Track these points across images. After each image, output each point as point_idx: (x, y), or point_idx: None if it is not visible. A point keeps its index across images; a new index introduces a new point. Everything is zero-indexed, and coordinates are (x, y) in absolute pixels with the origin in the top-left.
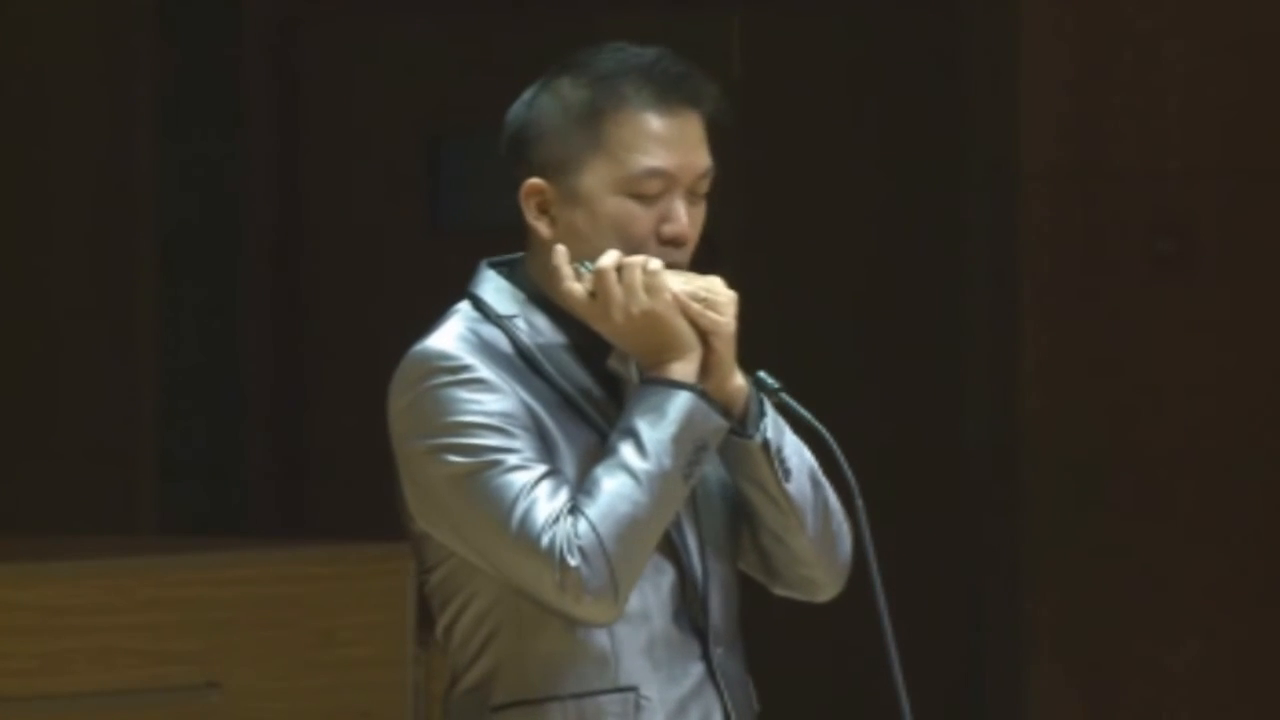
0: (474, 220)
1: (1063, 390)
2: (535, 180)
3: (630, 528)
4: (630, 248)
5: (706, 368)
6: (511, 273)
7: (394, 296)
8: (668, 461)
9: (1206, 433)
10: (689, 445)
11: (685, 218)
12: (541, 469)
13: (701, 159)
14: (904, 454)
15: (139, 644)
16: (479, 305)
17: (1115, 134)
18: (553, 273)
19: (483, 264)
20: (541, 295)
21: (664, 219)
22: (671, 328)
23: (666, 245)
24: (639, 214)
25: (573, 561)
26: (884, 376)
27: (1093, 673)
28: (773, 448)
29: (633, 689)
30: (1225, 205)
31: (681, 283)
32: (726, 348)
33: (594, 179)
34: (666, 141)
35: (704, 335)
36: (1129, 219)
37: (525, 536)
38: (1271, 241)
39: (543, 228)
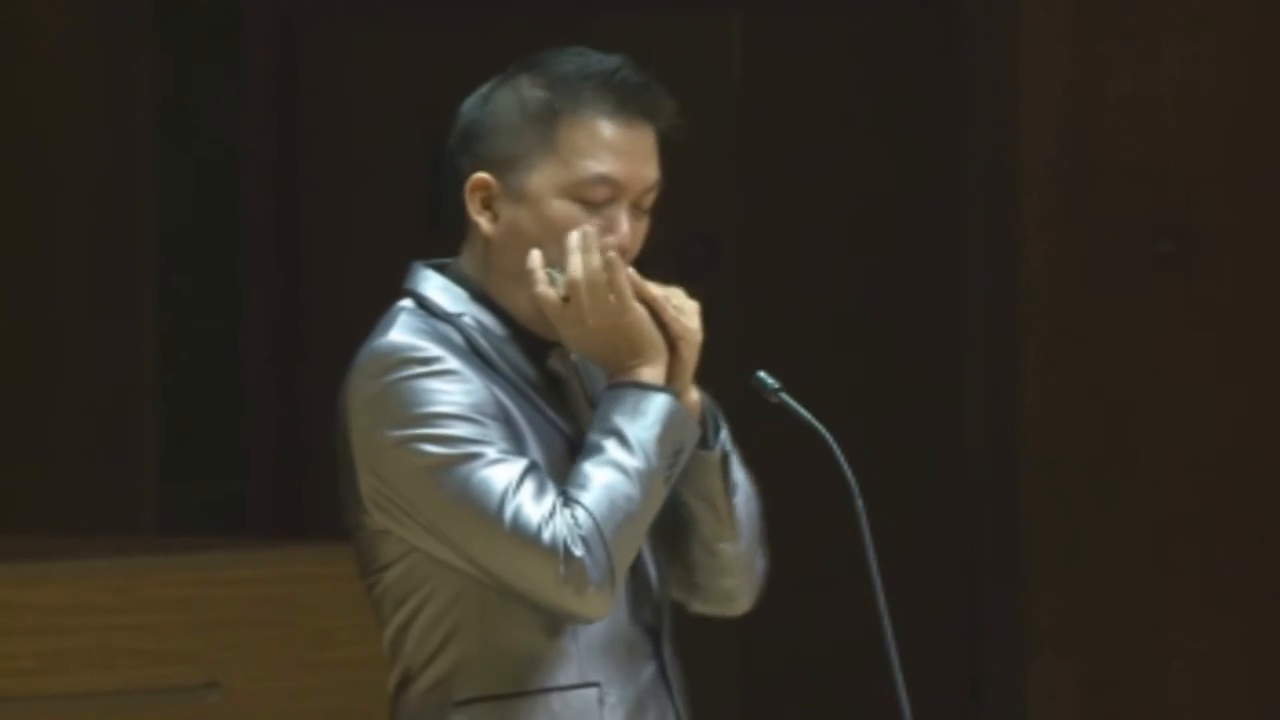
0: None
1: (1062, 390)
2: (482, 175)
3: (626, 521)
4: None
5: (669, 376)
6: (448, 273)
7: (394, 297)
8: (655, 461)
9: (1206, 431)
10: (669, 447)
11: (628, 229)
12: (522, 463)
13: (651, 172)
14: (904, 454)
15: (139, 644)
16: (423, 303)
17: (1115, 134)
18: (525, 275)
19: (417, 264)
20: (483, 293)
21: (606, 229)
22: (643, 334)
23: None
24: (582, 220)
25: (578, 552)
26: (884, 376)
27: (1093, 672)
28: (729, 462)
29: (597, 684)
30: (1225, 205)
31: (650, 285)
32: (692, 355)
33: (541, 179)
34: (618, 151)
35: (673, 341)
36: (1129, 219)
37: (523, 532)
38: (1271, 241)
39: (484, 222)
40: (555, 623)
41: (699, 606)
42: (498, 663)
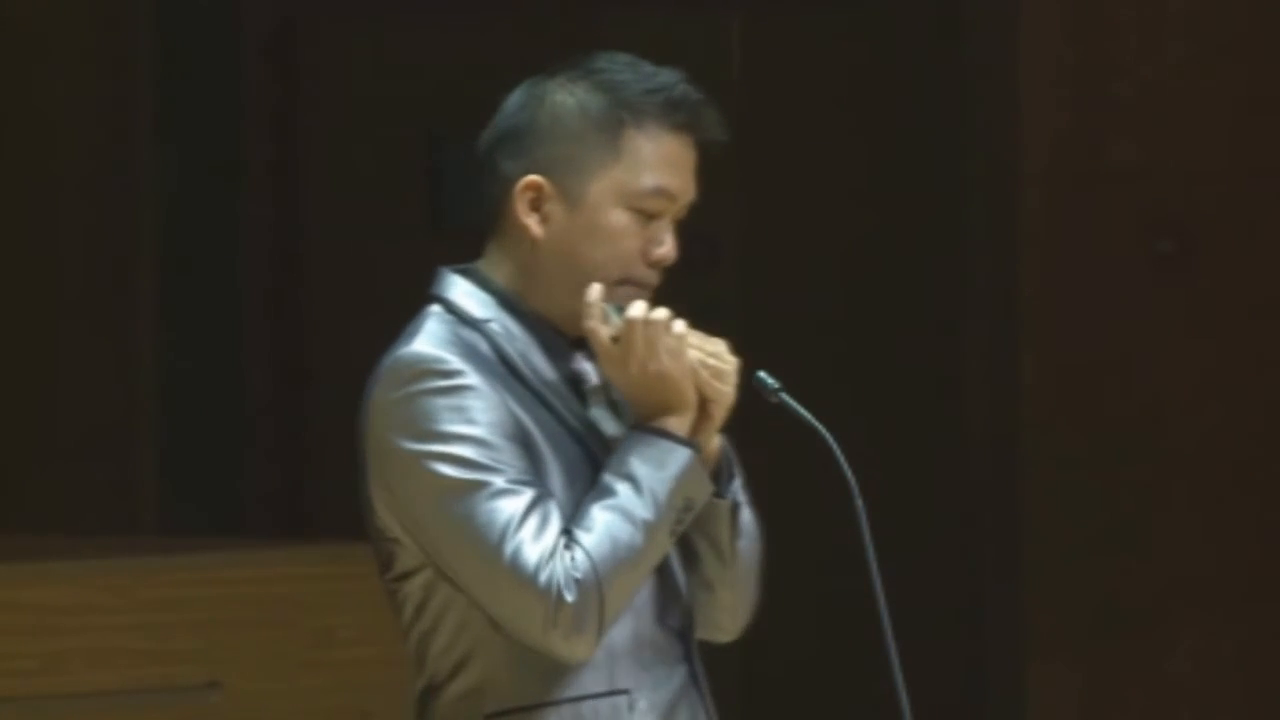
0: (474, 220)
1: (1062, 390)
2: (535, 177)
3: (624, 568)
4: (618, 262)
5: (696, 429)
6: (473, 278)
7: (394, 296)
8: (664, 514)
9: (1205, 432)
10: (680, 501)
11: (673, 243)
12: (529, 495)
13: (694, 187)
14: (904, 454)
15: (139, 644)
16: (451, 309)
17: (1115, 134)
18: (584, 309)
19: (444, 269)
20: (510, 298)
21: (654, 241)
22: (680, 391)
23: (652, 268)
24: (635, 231)
25: (569, 598)
26: (883, 376)
27: (1092, 671)
28: (738, 509)
29: (626, 692)
30: (1225, 205)
31: (697, 342)
32: (722, 416)
33: (601, 186)
34: (676, 165)
35: (704, 401)
36: (1129, 219)
37: (520, 570)
38: (1271, 241)
39: (533, 225)
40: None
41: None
42: (524, 674)
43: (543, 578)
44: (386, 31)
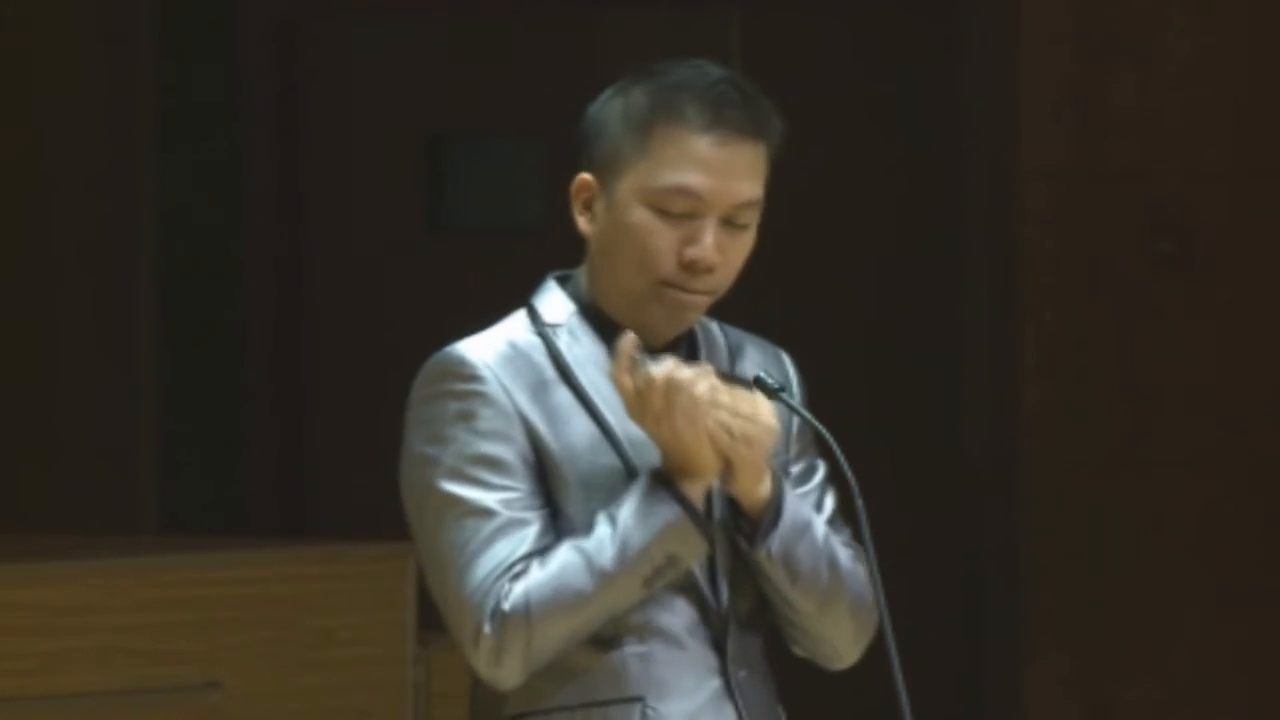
0: (474, 220)
1: (1062, 390)
2: (585, 176)
3: (565, 614)
4: (649, 261)
5: (729, 476)
6: (568, 284)
7: (394, 296)
8: (631, 565)
9: (1205, 432)
10: (660, 556)
11: (711, 243)
12: (501, 518)
13: (744, 189)
14: (904, 454)
15: (139, 644)
16: (532, 314)
17: (1115, 134)
18: (615, 355)
19: (547, 276)
20: (589, 304)
21: (689, 241)
22: (689, 456)
23: (686, 269)
24: (661, 230)
25: (487, 629)
26: (883, 376)
27: (1092, 672)
28: (777, 560)
29: (640, 699)
30: (1225, 205)
31: (727, 403)
32: (748, 475)
33: (628, 185)
34: (707, 165)
35: (727, 461)
36: (1129, 219)
37: (461, 589)
38: (1271, 241)
39: (584, 223)
40: (598, 638)
41: (798, 652)
42: (540, 678)
43: (474, 601)
44: (386, 31)
